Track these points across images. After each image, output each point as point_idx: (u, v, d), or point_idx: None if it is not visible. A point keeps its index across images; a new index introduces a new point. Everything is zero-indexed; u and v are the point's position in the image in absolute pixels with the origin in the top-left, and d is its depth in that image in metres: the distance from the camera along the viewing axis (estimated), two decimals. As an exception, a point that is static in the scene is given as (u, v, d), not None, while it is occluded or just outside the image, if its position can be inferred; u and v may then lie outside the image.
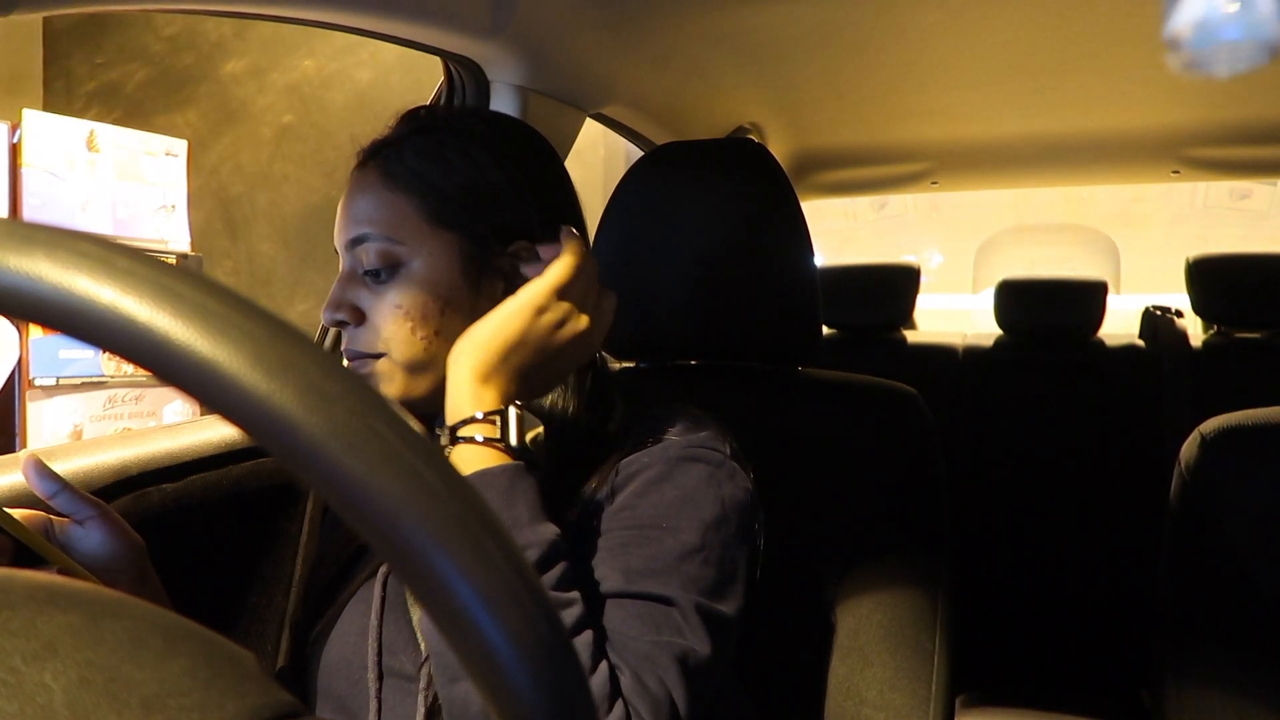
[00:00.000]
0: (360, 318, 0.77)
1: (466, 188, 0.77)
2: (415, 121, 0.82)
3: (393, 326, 0.75)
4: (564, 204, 0.83)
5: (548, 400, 0.77)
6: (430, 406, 0.78)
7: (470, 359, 0.69)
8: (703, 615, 0.69)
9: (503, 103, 1.20)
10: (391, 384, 0.77)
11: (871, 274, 2.59)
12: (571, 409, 0.77)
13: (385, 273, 0.76)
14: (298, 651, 0.86)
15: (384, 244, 0.75)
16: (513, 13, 1.07)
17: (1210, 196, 7.26)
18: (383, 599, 0.77)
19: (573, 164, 1.41)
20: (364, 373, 0.77)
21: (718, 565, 0.71)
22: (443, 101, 1.24)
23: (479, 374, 0.68)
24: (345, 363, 0.79)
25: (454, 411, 0.68)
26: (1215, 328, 2.35)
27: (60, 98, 2.95)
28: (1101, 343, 2.38)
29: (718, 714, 0.81)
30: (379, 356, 0.76)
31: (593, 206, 1.14)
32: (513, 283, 0.77)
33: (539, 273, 0.74)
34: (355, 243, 0.77)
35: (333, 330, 1.22)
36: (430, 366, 0.76)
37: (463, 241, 0.77)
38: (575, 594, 0.64)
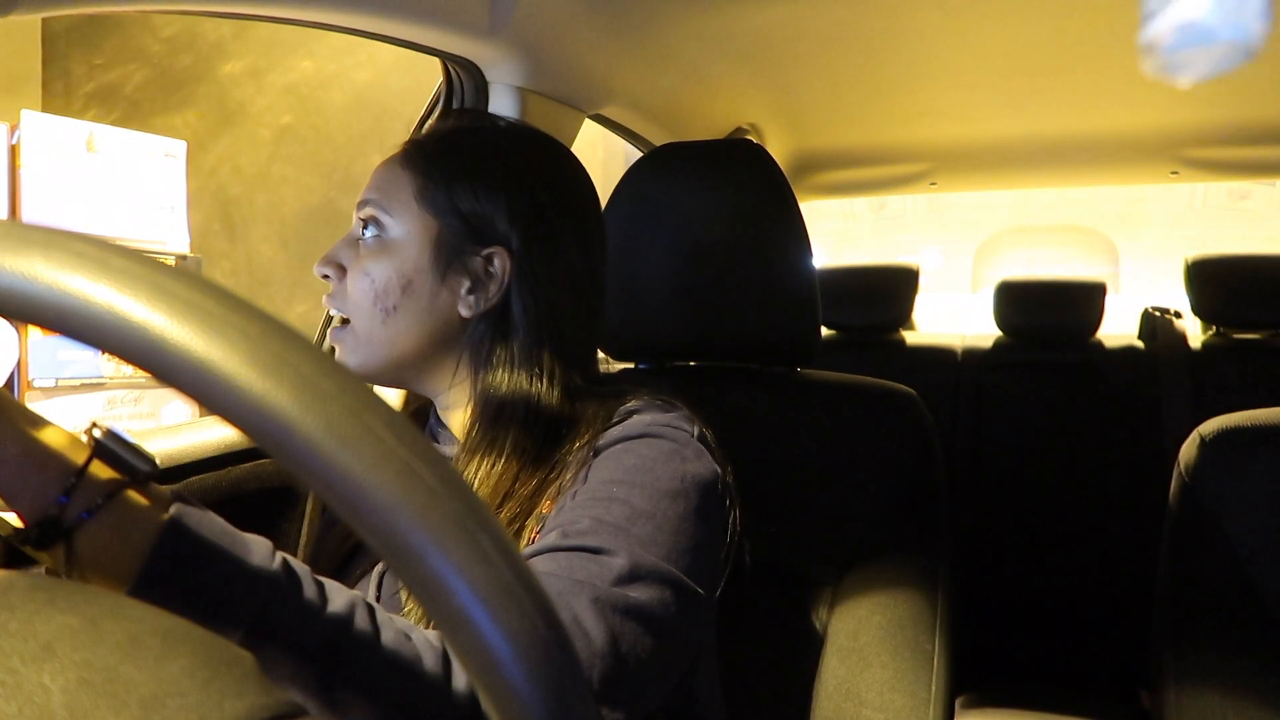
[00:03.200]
0: (342, 274, 0.81)
1: (462, 182, 0.79)
2: (456, 119, 0.87)
3: (358, 292, 0.79)
4: (568, 221, 0.83)
5: (506, 389, 0.78)
6: (387, 384, 0.85)
7: None
8: (647, 571, 0.64)
9: (501, 104, 1.20)
10: (354, 354, 0.80)
11: (870, 275, 2.59)
12: (540, 399, 0.77)
13: (369, 237, 0.80)
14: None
15: (376, 210, 0.80)
16: (511, 14, 1.07)
17: (1209, 197, 7.27)
18: (377, 598, 0.77)
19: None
20: (336, 331, 0.82)
21: (673, 534, 0.67)
22: (441, 103, 1.23)
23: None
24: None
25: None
26: (1214, 329, 2.35)
27: (59, 99, 2.95)
28: (1101, 344, 2.38)
29: (687, 703, 0.81)
30: (346, 321, 0.81)
31: (591, 207, 1.14)
32: (479, 284, 0.79)
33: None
34: (359, 206, 0.81)
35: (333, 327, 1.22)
36: (385, 344, 0.79)
37: (440, 230, 0.79)
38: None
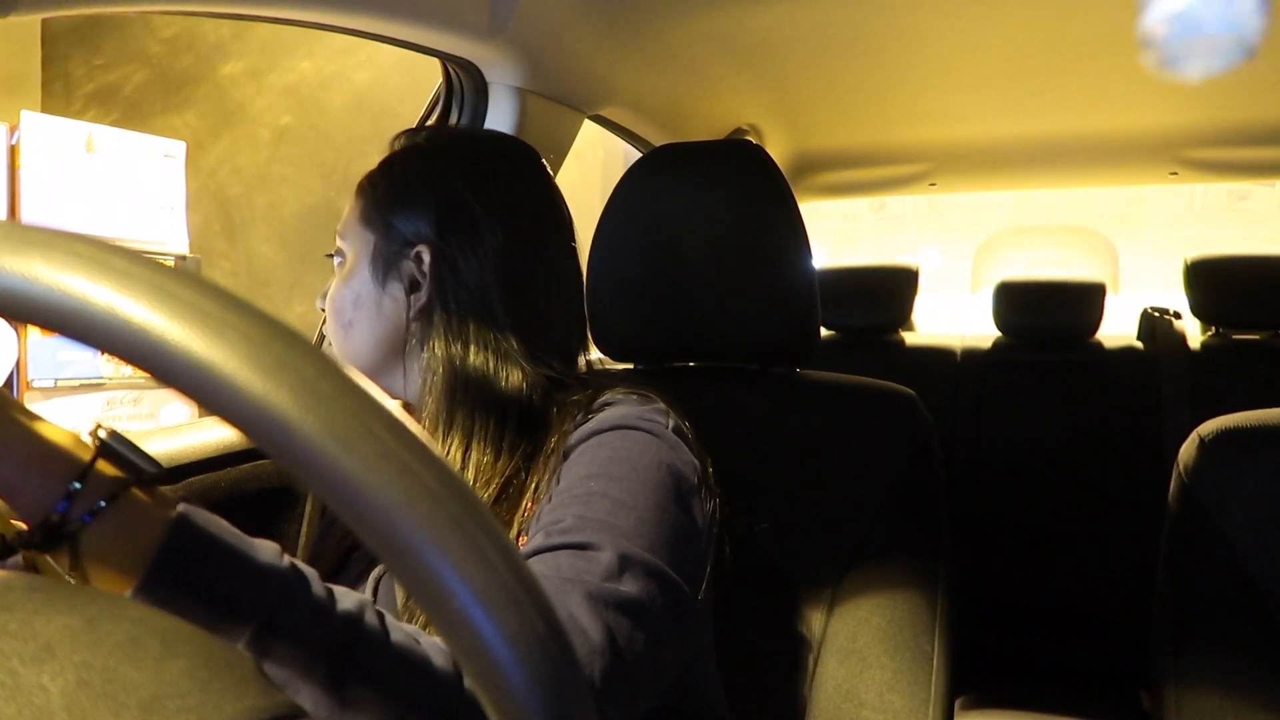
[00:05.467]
0: None
1: (391, 194, 0.84)
2: (407, 138, 0.90)
3: (328, 314, 0.86)
4: (486, 210, 0.83)
5: (441, 386, 0.79)
6: None
7: None
8: (635, 563, 0.64)
9: (501, 104, 1.20)
10: None
11: (870, 276, 2.59)
12: (498, 383, 0.78)
13: (336, 264, 0.87)
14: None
15: (339, 238, 0.87)
16: (511, 14, 1.08)
17: (1209, 198, 7.27)
18: (373, 601, 0.77)
19: (571, 165, 1.41)
20: None
21: (655, 525, 0.67)
22: (441, 103, 1.24)
23: None
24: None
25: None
26: (1214, 329, 2.35)
27: (59, 99, 2.95)
28: (1100, 344, 2.38)
29: (687, 704, 0.81)
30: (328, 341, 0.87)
31: (591, 207, 1.14)
32: (416, 286, 0.82)
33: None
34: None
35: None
36: (349, 356, 0.85)
37: (377, 240, 0.84)
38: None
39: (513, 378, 0.79)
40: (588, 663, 0.59)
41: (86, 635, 0.26)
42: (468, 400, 0.78)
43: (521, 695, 0.26)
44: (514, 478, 0.75)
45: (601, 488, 0.68)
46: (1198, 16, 0.25)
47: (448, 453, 0.77)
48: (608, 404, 0.77)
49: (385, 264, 0.83)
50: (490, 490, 0.74)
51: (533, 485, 0.74)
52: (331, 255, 0.88)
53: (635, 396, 0.78)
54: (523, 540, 0.71)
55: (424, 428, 0.80)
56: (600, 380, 0.83)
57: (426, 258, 0.81)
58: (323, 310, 0.88)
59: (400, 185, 0.84)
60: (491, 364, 0.79)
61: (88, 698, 0.24)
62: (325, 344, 1.25)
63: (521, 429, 0.77)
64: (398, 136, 0.91)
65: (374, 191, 0.85)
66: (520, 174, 0.88)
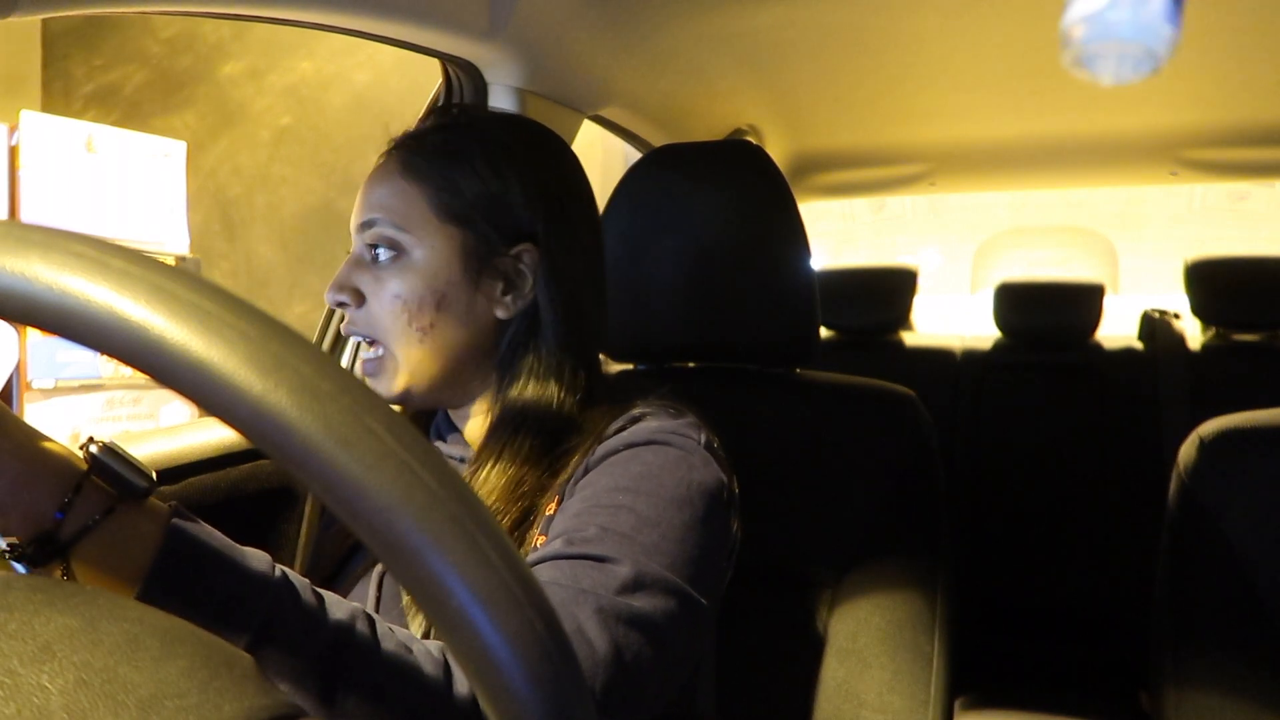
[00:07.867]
0: (360, 300, 0.78)
1: (479, 187, 0.78)
2: (442, 117, 0.84)
3: (389, 315, 0.76)
4: (579, 209, 0.83)
5: (530, 392, 0.77)
6: (430, 403, 0.82)
7: None
8: (651, 580, 0.64)
9: (500, 105, 1.20)
10: (394, 379, 0.78)
11: (869, 276, 2.59)
12: (557, 402, 0.77)
13: (387, 259, 0.77)
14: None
15: (390, 230, 0.77)
16: (511, 15, 1.07)
17: (1208, 198, 7.27)
18: (378, 600, 0.77)
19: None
20: (370, 360, 0.79)
21: (678, 543, 0.67)
22: (440, 104, 1.23)
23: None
24: (346, 343, 0.81)
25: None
26: (1213, 330, 2.35)
27: (59, 99, 2.95)
28: (1100, 345, 2.38)
29: (680, 705, 0.81)
30: (374, 343, 0.78)
31: (591, 208, 1.14)
32: (513, 284, 0.78)
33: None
34: (365, 226, 0.78)
35: (333, 326, 1.22)
36: (426, 362, 0.77)
37: (466, 238, 0.77)
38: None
39: (580, 383, 0.79)
40: (591, 674, 0.59)
41: (86, 635, 0.26)
42: (537, 409, 0.76)
43: (520, 694, 0.26)
44: (548, 484, 0.75)
45: (628, 501, 0.68)
46: (1108, 21, 0.25)
47: (504, 460, 0.75)
48: (640, 417, 0.76)
49: (480, 262, 0.77)
50: (524, 503, 0.73)
51: (557, 491, 0.74)
52: (376, 244, 0.77)
53: (669, 410, 0.78)
54: (540, 540, 0.71)
55: (478, 434, 0.79)
56: (626, 387, 0.82)
57: (529, 258, 0.78)
58: (340, 305, 0.79)
59: (488, 175, 0.78)
60: (565, 374, 0.78)
61: (87, 697, 0.24)
62: (320, 339, 1.25)
63: (560, 437, 0.77)
64: (434, 114, 0.84)
65: (447, 179, 0.77)
66: (581, 169, 0.87)
